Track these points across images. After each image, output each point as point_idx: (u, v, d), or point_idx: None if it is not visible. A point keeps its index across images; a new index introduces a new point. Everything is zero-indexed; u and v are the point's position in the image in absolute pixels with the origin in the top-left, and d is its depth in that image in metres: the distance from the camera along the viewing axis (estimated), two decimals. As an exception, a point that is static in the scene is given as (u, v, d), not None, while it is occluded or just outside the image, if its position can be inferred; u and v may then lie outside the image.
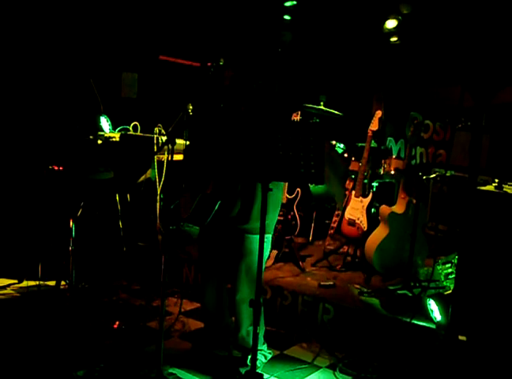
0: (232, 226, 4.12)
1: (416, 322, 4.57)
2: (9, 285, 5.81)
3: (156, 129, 5.52)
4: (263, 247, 3.50)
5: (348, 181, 6.27)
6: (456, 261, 5.11)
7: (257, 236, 3.56)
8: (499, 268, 4.08)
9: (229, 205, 4.02)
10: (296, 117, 5.96)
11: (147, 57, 7.46)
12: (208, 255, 4.37)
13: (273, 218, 4.23)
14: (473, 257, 4.22)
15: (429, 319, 4.55)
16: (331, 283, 5.48)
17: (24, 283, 5.73)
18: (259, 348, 4.24)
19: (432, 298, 4.53)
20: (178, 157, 4.66)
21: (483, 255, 4.17)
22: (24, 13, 6.41)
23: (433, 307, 4.49)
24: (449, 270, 5.29)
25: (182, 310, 5.26)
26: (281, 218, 5.96)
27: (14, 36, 6.38)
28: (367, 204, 5.78)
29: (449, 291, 4.70)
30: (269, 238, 4.20)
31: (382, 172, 5.97)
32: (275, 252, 5.95)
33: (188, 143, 4.32)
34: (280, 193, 4.26)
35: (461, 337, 4.13)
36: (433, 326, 4.49)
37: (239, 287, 4.18)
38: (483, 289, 4.16)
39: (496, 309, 4.07)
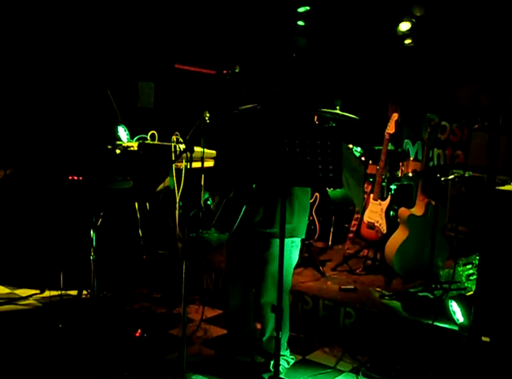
0: (258, 231, 4.12)
1: (438, 324, 4.55)
2: (31, 295, 5.86)
3: (174, 138, 5.54)
4: (283, 251, 3.52)
5: (366, 185, 6.28)
6: (477, 262, 5.09)
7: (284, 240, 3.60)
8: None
9: (253, 210, 4.03)
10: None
11: (163, 66, 7.51)
12: (236, 260, 4.38)
13: (300, 221, 4.22)
14: (494, 258, 4.20)
15: (451, 321, 4.53)
16: (352, 286, 5.48)
17: (47, 293, 5.78)
18: (282, 353, 4.24)
19: (454, 300, 4.51)
20: (197, 165, 4.70)
21: (505, 255, 4.14)
22: (41, 25, 6.48)
23: (455, 309, 4.47)
24: (471, 271, 5.27)
25: (204, 317, 5.28)
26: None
27: (31, 48, 6.46)
28: (385, 206, 5.77)
29: (471, 292, 4.68)
30: (297, 241, 4.22)
31: (399, 175, 5.97)
32: (295, 257, 5.96)
33: (214, 152, 4.34)
34: (307, 196, 4.26)
35: (484, 338, 4.11)
36: (455, 328, 4.47)
37: (265, 290, 4.20)
38: (506, 289, 4.13)
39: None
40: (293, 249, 4.20)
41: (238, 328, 4.54)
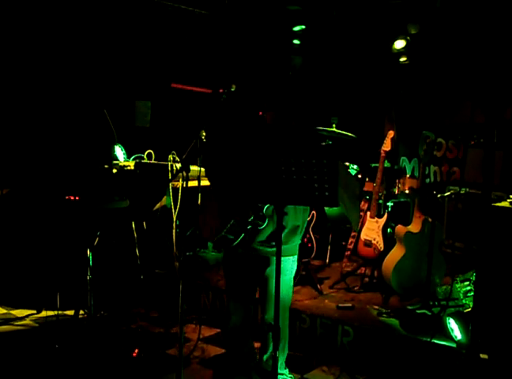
0: (260, 249, 4.11)
1: (436, 341, 4.54)
2: (27, 315, 5.83)
3: (170, 157, 5.55)
4: (280, 270, 3.50)
5: (362, 202, 6.28)
6: (474, 278, 5.09)
7: (285, 257, 3.61)
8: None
9: (256, 229, 4.02)
10: (309, 140, 5.97)
11: (159, 85, 7.54)
12: (236, 278, 4.35)
13: (300, 239, 4.28)
14: (491, 274, 4.20)
15: (449, 338, 4.52)
16: (349, 304, 5.47)
17: (43, 313, 5.75)
18: (280, 372, 4.22)
19: (452, 317, 4.50)
20: (193, 183, 4.70)
21: (501, 271, 4.14)
22: (40, 45, 6.50)
23: (453, 326, 4.46)
24: (468, 288, 5.26)
25: (201, 337, 5.25)
26: (297, 241, 5.96)
27: (27, 65, 6.47)
28: (382, 224, 5.77)
29: (469, 309, 4.67)
30: (296, 258, 4.25)
31: (396, 192, 5.97)
32: (292, 275, 5.94)
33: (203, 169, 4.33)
34: (306, 213, 4.27)
35: (482, 355, 4.09)
36: (453, 345, 4.46)
37: (268, 307, 4.18)
38: (503, 306, 4.13)
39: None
40: (294, 265, 4.24)
41: (237, 347, 4.49)
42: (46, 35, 6.54)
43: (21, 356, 4.92)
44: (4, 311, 5.93)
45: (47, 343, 5.07)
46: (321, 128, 6.26)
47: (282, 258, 4.02)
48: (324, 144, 6.28)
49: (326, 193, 3.20)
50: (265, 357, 4.31)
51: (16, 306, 6.02)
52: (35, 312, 5.89)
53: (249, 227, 3.94)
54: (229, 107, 4.20)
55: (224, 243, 4.12)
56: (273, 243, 4.08)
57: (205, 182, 4.31)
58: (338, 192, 3.22)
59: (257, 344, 4.46)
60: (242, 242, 4.01)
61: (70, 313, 5.61)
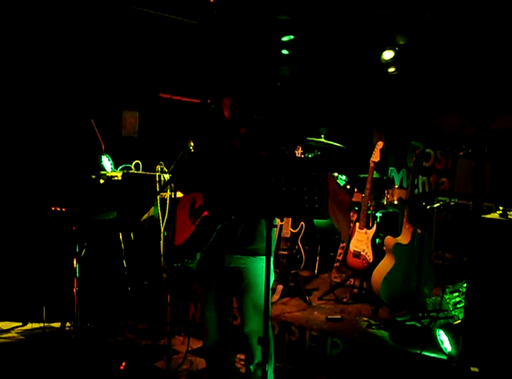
0: (237, 248, 4.02)
1: (426, 354, 4.52)
2: (13, 328, 5.76)
3: (158, 167, 5.53)
4: (269, 283, 3.45)
5: (351, 213, 6.26)
6: (463, 290, 5.08)
7: (263, 257, 3.49)
8: (508, 296, 4.04)
9: (234, 228, 3.94)
10: (298, 151, 5.97)
11: (147, 95, 7.51)
12: (211, 289, 4.27)
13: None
14: (481, 285, 4.19)
15: (439, 350, 4.50)
16: (338, 316, 5.43)
17: (29, 326, 5.69)
18: (269, 385, 4.16)
19: (441, 329, 4.48)
20: (181, 195, 4.66)
21: (491, 283, 4.13)
22: (27, 53, 6.46)
23: (443, 338, 4.44)
24: (457, 299, 5.25)
25: (190, 349, 5.19)
26: (286, 252, 5.93)
27: (14, 75, 6.42)
28: (371, 235, 5.75)
29: (459, 321, 4.66)
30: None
31: (385, 202, 5.96)
32: (281, 287, 5.92)
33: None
34: None
35: (473, 368, 4.07)
36: (444, 357, 4.44)
37: (247, 319, 4.11)
38: (493, 317, 4.11)
39: (508, 337, 4.02)
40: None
41: (216, 362, 4.38)
42: (32, 43, 6.50)
43: (7, 369, 4.85)
44: (-11, 323, 5.87)
45: (33, 356, 5.01)
46: (309, 138, 6.26)
47: (254, 258, 3.95)
48: (313, 155, 6.28)
49: (316, 205, 3.18)
50: (251, 367, 4.23)
51: (2, 319, 5.94)
52: (20, 324, 5.82)
53: (219, 226, 3.84)
54: (217, 118, 4.18)
55: (194, 247, 4.01)
56: (250, 247, 3.99)
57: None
58: (328, 203, 3.19)
59: (242, 356, 4.39)
60: (215, 242, 3.90)
61: (57, 325, 5.57)
